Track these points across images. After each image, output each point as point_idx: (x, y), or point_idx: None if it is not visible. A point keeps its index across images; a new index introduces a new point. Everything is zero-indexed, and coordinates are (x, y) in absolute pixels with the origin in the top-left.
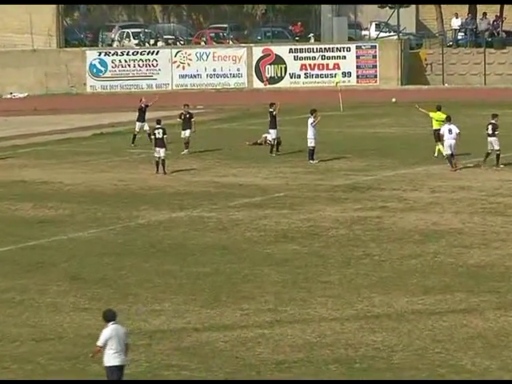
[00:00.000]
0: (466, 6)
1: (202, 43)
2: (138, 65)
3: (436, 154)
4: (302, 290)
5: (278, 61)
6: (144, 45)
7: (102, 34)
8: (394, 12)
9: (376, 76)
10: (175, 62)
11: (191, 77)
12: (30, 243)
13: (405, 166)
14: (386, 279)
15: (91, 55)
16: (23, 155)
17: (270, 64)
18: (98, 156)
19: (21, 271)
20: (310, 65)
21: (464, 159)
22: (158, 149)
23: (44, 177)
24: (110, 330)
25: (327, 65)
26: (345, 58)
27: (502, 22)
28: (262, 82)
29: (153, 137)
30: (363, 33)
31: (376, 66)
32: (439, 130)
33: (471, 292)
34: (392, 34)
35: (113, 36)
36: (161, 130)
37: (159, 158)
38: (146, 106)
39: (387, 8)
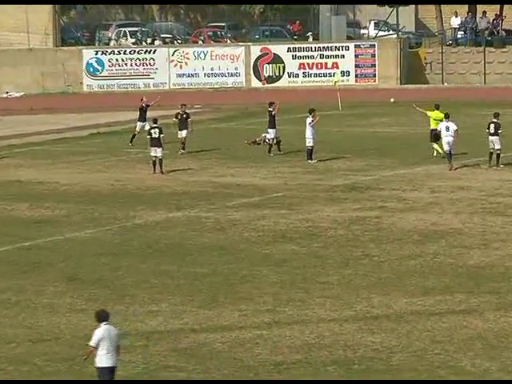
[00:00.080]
0: (466, 5)
1: (200, 42)
2: (135, 64)
3: (435, 154)
4: (301, 291)
5: (276, 60)
6: (141, 43)
7: (98, 32)
8: (393, 11)
9: (375, 75)
10: (172, 60)
11: (189, 76)
12: (27, 243)
13: (404, 166)
14: (385, 280)
15: (88, 54)
16: (19, 155)
17: (268, 63)
18: (95, 156)
19: (17, 272)
20: (308, 64)
21: (462, 159)
22: (154, 148)
23: (40, 177)
24: (102, 330)
25: (326, 64)
26: (343, 56)
27: (502, 20)
28: (260, 81)
29: (149, 136)
30: (362, 31)
31: (375, 65)
32: (436, 129)
33: (471, 293)
34: (391, 32)
35: (110, 35)
36: (157, 130)
37: (156, 157)
38: (147, 105)
39: (386, 6)
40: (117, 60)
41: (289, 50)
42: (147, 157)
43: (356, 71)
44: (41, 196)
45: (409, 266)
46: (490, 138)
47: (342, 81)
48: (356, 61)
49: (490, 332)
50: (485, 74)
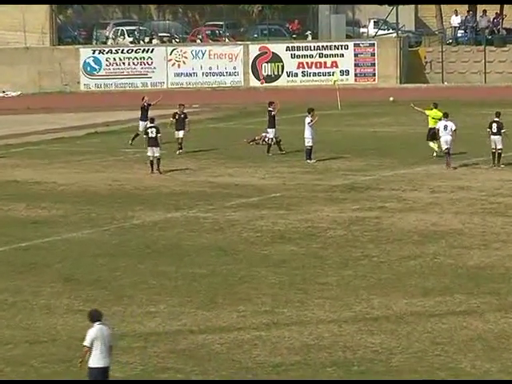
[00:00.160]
0: (466, 4)
1: (198, 41)
2: (133, 63)
3: (434, 154)
4: (300, 292)
5: (275, 59)
6: (139, 42)
7: (96, 31)
8: (393, 9)
9: (374, 74)
10: (170, 59)
11: (187, 75)
12: (23, 244)
13: (404, 166)
14: (385, 281)
15: (85, 53)
16: (16, 155)
17: (267, 62)
18: (92, 155)
19: (14, 272)
20: (307, 63)
21: (462, 158)
22: (152, 148)
23: (37, 177)
24: (95, 330)
25: (325, 63)
26: (343, 56)
27: (503, 19)
28: (259, 80)
29: (145, 136)
30: (361, 30)
31: (374, 64)
32: (434, 128)
33: (471, 294)
34: (391, 31)
35: (107, 33)
36: (154, 129)
37: (154, 157)
38: (149, 104)
39: (386, 5)
40: (114, 59)
41: (288, 49)
42: (145, 157)
43: (355, 70)
44: (38, 196)
45: (408, 267)
46: (492, 137)
47: (342, 80)
48: (355, 60)
49: (490, 333)
50: (485, 73)
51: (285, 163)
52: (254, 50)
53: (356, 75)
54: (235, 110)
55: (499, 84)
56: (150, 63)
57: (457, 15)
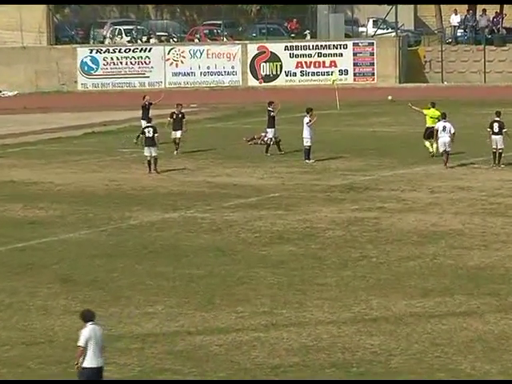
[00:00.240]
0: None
1: (196, 40)
2: (131, 62)
3: (430, 151)
4: (298, 293)
5: (274, 58)
6: (136, 42)
7: (93, 30)
8: (392, 8)
9: (373, 74)
10: (168, 59)
11: (185, 75)
12: (20, 245)
13: (403, 166)
14: (384, 281)
15: (82, 52)
16: (13, 155)
17: (266, 62)
18: (90, 155)
19: (10, 273)
20: (306, 62)
21: (461, 158)
22: (149, 148)
23: (34, 177)
24: (88, 330)
25: (323, 62)
26: (341, 55)
27: (503, 18)
28: (257, 79)
29: (142, 135)
30: (360, 29)
31: (373, 64)
32: (432, 127)
33: (471, 294)
34: (390, 30)
35: (104, 33)
36: (151, 129)
37: (151, 156)
38: (150, 103)
39: (385, 4)
40: (112, 58)
41: (286, 48)
42: (142, 157)
43: (354, 70)
44: (35, 196)
45: (408, 268)
46: (494, 137)
47: (340, 79)
48: (354, 59)
49: (490, 334)
50: (485, 72)
51: (283, 163)
52: (253, 49)
53: (355, 75)
54: (233, 110)
55: (499, 83)
56: (147, 63)
57: (456, 14)
